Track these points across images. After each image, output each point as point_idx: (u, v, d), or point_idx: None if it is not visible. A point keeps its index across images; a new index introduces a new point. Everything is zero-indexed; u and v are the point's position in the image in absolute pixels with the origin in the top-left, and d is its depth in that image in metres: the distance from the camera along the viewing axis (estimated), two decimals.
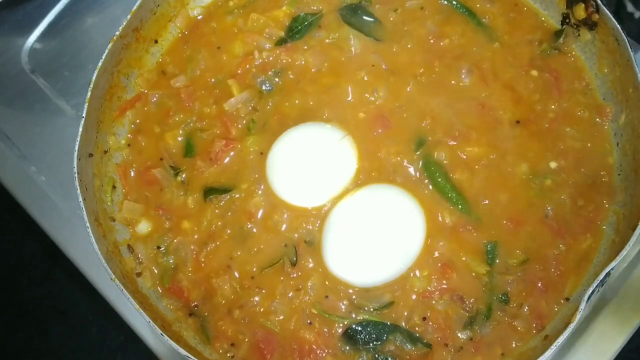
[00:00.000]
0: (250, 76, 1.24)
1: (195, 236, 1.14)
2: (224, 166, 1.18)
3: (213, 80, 1.25)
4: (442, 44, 1.24)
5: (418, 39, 1.24)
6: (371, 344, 1.06)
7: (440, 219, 1.11)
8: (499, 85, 1.20)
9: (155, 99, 1.24)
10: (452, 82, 1.21)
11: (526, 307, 1.06)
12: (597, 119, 1.18)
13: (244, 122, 1.21)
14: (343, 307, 1.08)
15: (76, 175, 1.06)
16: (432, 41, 1.24)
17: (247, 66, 1.25)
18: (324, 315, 1.08)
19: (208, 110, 1.22)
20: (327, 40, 1.26)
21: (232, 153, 1.18)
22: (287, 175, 1.15)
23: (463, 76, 1.21)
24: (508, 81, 1.21)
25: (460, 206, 1.11)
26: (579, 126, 1.17)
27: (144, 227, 1.16)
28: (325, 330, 1.07)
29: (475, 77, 1.21)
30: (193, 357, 0.98)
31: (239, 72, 1.24)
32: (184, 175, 1.18)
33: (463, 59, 1.22)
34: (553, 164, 1.14)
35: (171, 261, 1.14)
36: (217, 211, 1.15)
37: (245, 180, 1.16)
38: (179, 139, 1.21)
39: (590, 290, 0.97)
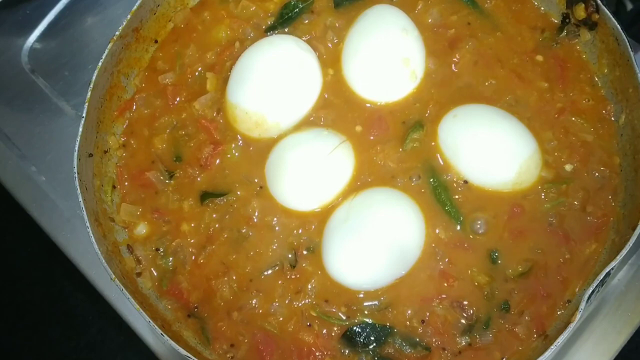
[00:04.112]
0: (226, 69, 1.23)
1: (194, 239, 1.14)
2: (216, 170, 1.18)
3: (196, 74, 1.24)
4: (449, 33, 1.24)
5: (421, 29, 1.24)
6: (370, 347, 1.06)
7: (437, 230, 1.11)
8: (505, 72, 1.20)
9: (143, 99, 1.23)
10: (454, 69, 1.22)
11: (527, 315, 1.06)
12: (604, 112, 1.18)
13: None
14: (342, 309, 1.08)
15: (76, 175, 1.06)
16: (438, 30, 1.24)
17: (226, 57, 1.24)
18: (323, 318, 1.07)
19: (186, 111, 1.22)
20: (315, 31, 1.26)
21: (220, 157, 1.18)
22: (287, 179, 1.14)
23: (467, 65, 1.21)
24: (514, 68, 1.21)
25: (458, 221, 1.11)
26: (588, 116, 1.17)
27: (142, 229, 1.16)
28: (325, 332, 1.07)
29: (480, 66, 1.21)
30: (193, 357, 0.98)
31: (218, 60, 1.23)
32: (178, 175, 1.18)
33: (465, 48, 1.22)
34: (569, 167, 1.14)
35: (170, 263, 1.14)
36: (214, 215, 1.15)
37: (242, 184, 1.16)
38: (165, 144, 1.20)
39: (590, 290, 0.97)
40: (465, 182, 1.13)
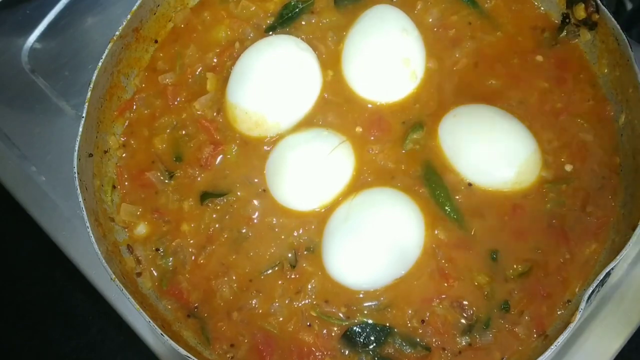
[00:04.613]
0: (226, 69, 1.23)
1: (193, 239, 1.14)
2: (216, 170, 1.17)
3: (196, 74, 1.24)
4: (449, 33, 1.24)
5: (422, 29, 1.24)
6: (370, 347, 1.06)
7: (437, 231, 1.11)
8: (505, 72, 1.20)
9: (143, 99, 1.23)
10: (454, 69, 1.21)
11: (527, 315, 1.06)
12: (604, 112, 1.18)
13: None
14: (342, 309, 1.08)
15: (76, 175, 1.06)
16: (439, 31, 1.24)
17: (226, 57, 1.24)
18: (323, 318, 1.07)
19: (186, 111, 1.22)
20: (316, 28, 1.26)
21: (220, 157, 1.18)
22: (287, 179, 1.14)
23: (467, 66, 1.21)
24: (514, 68, 1.21)
25: (458, 221, 1.11)
26: (588, 116, 1.17)
27: (142, 229, 1.16)
28: (325, 332, 1.07)
29: (480, 66, 1.21)
30: (193, 357, 0.98)
31: (218, 60, 1.24)
32: (178, 175, 1.18)
33: (466, 48, 1.22)
34: (569, 167, 1.14)
35: (170, 263, 1.13)
36: (214, 215, 1.15)
37: (242, 184, 1.16)
38: (165, 144, 1.20)
39: (590, 290, 0.97)
40: (470, 184, 1.13)
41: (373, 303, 1.08)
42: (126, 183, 1.19)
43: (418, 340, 1.06)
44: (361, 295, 1.08)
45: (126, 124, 1.22)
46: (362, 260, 1.08)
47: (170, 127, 1.21)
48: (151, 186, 1.18)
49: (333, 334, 1.07)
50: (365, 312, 1.08)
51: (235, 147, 1.18)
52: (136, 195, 1.18)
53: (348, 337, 1.06)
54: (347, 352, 1.06)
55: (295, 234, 1.12)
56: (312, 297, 1.09)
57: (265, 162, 1.17)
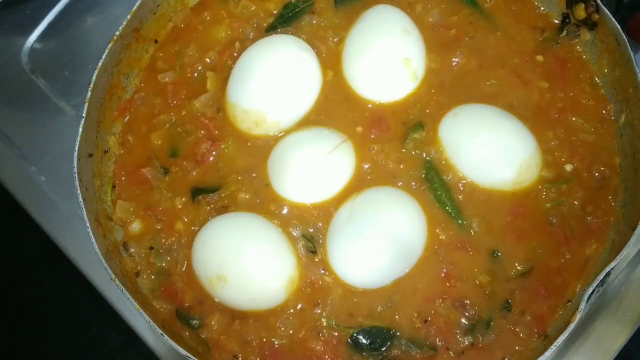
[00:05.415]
0: (226, 68, 1.23)
1: (188, 238, 1.13)
2: (210, 166, 1.17)
3: (195, 74, 1.24)
4: (450, 33, 1.24)
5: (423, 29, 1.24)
6: (377, 350, 1.05)
7: (438, 230, 1.11)
8: (505, 72, 1.20)
9: (142, 98, 1.23)
10: (454, 69, 1.21)
11: (528, 315, 1.06)
12: (604, 112, 1.18)
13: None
14: (349, 316, 1.07)
15: (76, 175, 1.06)
16: (439, 30, 1.24)
17: (226, 56, 1.24)
18: (331, 325, 1.06)
19: (186, 109, 1.21)
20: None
21: (214, 152, 1.17)
22: (288, 178, 1.14)
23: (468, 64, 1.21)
24: (514, 68, 1.21)
25: (460, 221, 1.11)
26: (588, 116, 1.17)
27: (136, 227, 1.15)
28: (333, 338, 1.06)
29: (480, 66, 1.21)
30: (193, 357, 0.98)
31: (218, 60, 1.24)
32: (174, 171, 1.17)
33: (467, 48, 1.22)
34: (569, 167, 1.14)
35: (165, 263, 1.12)
36: (208, 208, 1.14)
37: (239, 181, 1.15)
38: (161, 140, 1.20)
39: (590, 290, 0.97)
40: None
41: (379, 306, 1.07)
42: (123, 179, 1.18)
43: (423, 341, 1.05)
44: (365, 299, 1.07)
45: (126, 120, 1.22)
46: (365, 258, 1.08)
47: (169, 124, 1.21)
48: (146, 182, 1.17)
49: (341, 340, 1.06)
50: (372, 315, 1.07)
51: (233, 144, 1.18)
52: (132, 192, 1.17)
53: (355, 342, 1.05)
54: (355, 357, 1.06)
55: (296, 234, 1.12)
56: (321, 306, 1.08)
57: (264, 160, 1.17)
